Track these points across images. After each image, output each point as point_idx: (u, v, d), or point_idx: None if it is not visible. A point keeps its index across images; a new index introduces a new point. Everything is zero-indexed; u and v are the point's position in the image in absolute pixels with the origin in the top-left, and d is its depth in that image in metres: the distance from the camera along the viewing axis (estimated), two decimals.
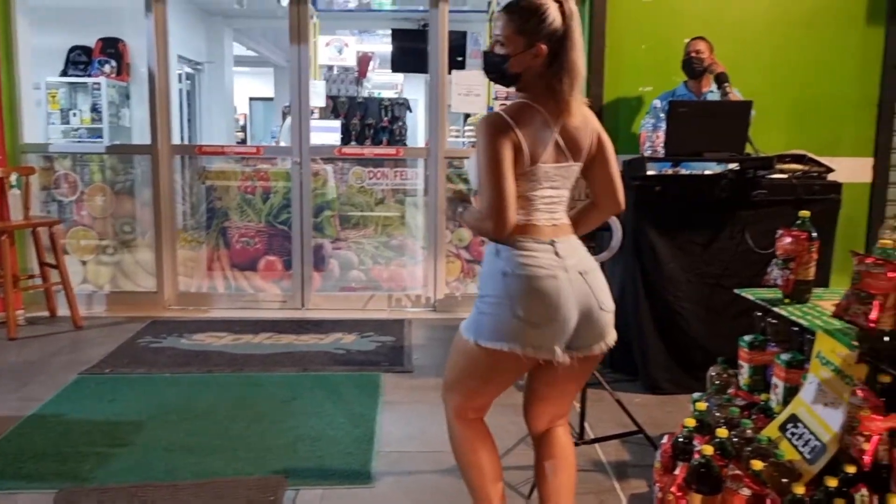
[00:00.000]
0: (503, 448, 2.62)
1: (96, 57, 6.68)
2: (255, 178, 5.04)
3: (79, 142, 6.45)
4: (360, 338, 4.31)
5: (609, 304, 1.88)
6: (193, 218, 5.10)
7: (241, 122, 13.78)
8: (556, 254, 1.81)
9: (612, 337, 1.91)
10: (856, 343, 1.89)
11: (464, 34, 6.68)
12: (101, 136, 6.57)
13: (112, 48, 6.72)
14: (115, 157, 5.02)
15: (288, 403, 3.30)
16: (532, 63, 1.79)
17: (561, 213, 1.89)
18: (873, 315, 1.78)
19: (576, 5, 1.81)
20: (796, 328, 2.30)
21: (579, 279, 1.81)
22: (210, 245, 5.11)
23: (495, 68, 1.84)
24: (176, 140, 5.33)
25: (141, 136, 6.17)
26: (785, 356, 2.28)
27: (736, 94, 3.86)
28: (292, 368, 3.76)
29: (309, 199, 4.96)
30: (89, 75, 6.65)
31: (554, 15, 1.76)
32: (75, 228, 5.04)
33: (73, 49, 6.72)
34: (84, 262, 5.07)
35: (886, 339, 1.78)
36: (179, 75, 7.83)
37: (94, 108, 6.63)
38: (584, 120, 1.85)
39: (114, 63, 6.68)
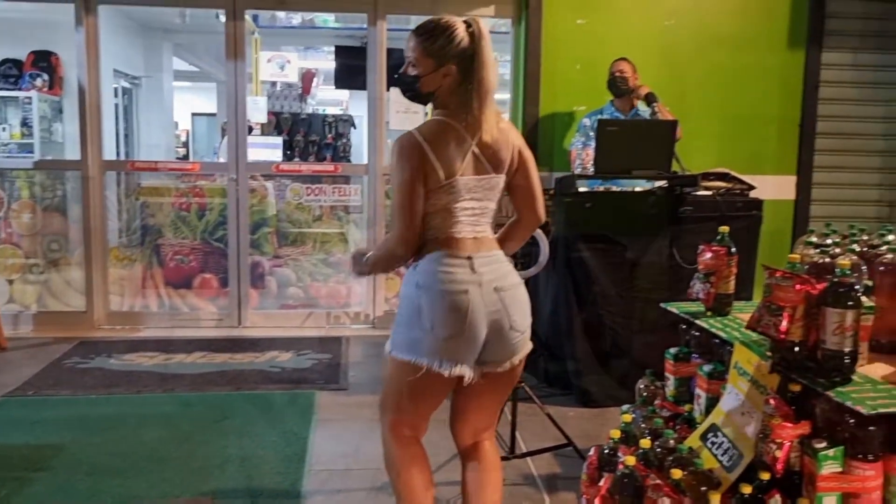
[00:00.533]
0: (435, 464, 2.60)
1: (27, 70, 6.47)
2: (191, 195, 4.96)
3: (8, 157, 6.24)
4: (296, 356, 4.25)
5: (522, 323, 1.91)
6: (126, 235, 4.98)
7: (183, 138, 13.52)
8: (472, 269, 1.83)
9: (523, 354, 1.95)
10: (768, 353, 1.95)
11: None
12: (31, 152, 6.36)
13: (44, 61, 6.52)
14: (44, 172, 4.89)
15: (219, 423, 3.23)
16: (443, 82, 1.83)
17: (484, 225, 1.91)
18: (783, 326, 1.84)
19: (486, 27, 1.86)
20: (717, 340, 2.35)
21: (493, 295, 1.84)
22: (143, 263, 5.00)
23: (409, 88, 1.90)
24: (109, 155, 5.20)
25: (73, 152, 5.97)
26: (707, 367, 2.33)
27: (666, 112, 3.96)
28: (225, 387, 3.68)
29: (246, 215, 4.90)
30: (20, 89, 6.45)
31: (462, 36, 1.80)
32: (1, 247, 4.87)
33: (2, 62, 6.49)
34: (10, 282, 4.90)
35: (796, 349, 1.84)
36: (116, 89, 7.65)
37: (25, 123, 6.41)
38: (502, 133, 1.89)
39: (46, 77, 6.48)
